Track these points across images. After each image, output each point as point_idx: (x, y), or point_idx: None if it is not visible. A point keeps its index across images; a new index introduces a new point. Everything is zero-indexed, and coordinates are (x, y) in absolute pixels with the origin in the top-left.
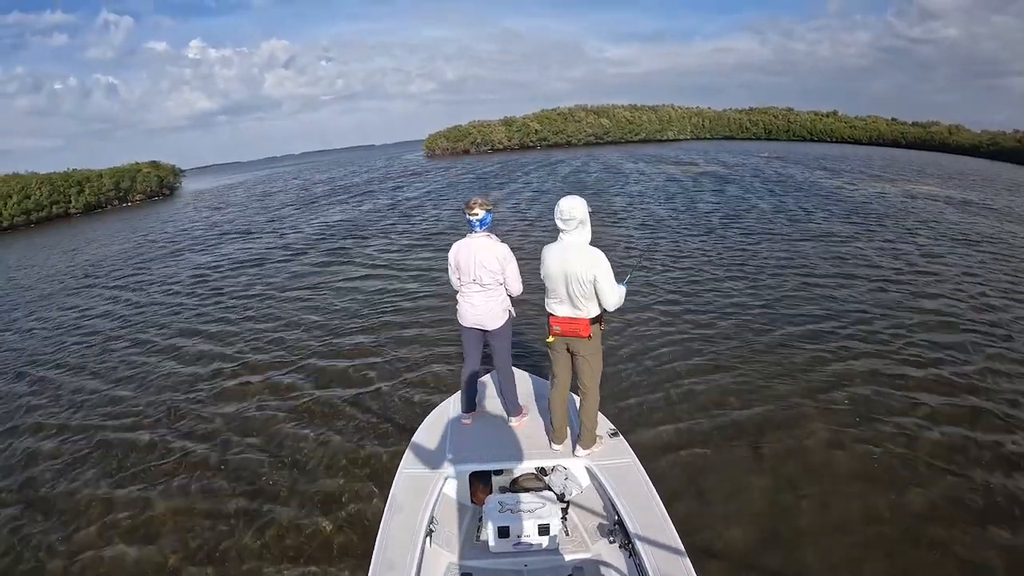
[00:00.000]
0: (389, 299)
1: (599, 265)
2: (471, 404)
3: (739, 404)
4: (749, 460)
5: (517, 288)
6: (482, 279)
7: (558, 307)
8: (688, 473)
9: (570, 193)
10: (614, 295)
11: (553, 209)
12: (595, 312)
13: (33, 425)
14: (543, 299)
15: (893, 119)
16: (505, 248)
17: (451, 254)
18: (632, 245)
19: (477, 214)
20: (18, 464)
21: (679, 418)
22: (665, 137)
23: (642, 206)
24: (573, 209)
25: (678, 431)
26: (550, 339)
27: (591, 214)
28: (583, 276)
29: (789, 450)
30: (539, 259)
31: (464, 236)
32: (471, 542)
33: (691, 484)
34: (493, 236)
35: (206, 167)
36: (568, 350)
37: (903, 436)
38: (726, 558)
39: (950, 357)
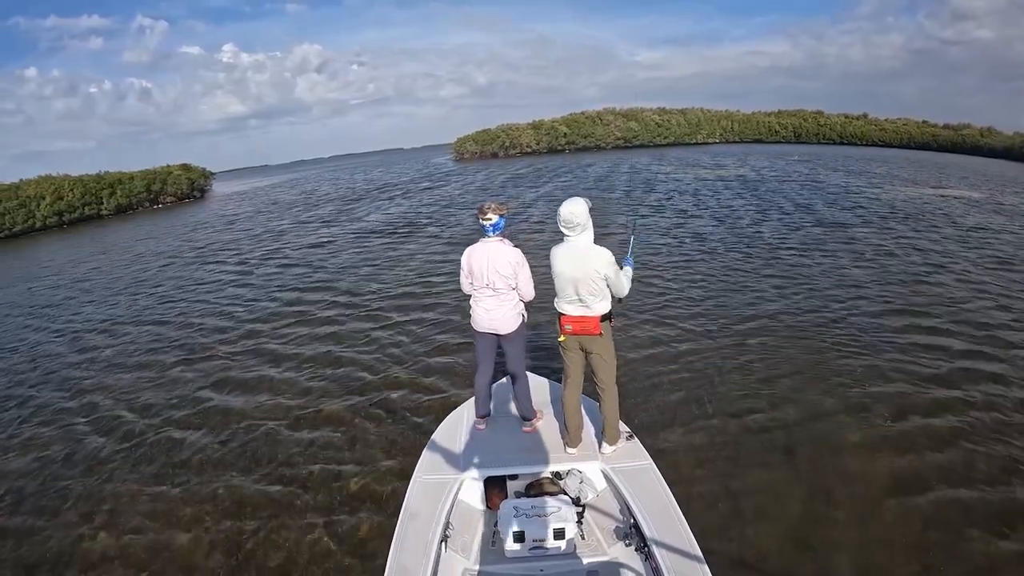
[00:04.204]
0: (430, 292)
1: (607, 264)
2: (485, 409)
3: (771, 409)
4: (782, 467)
5: (530, 293)
6: (495, 284)
7: (568, 307)
8: (720, 479)
9: (571, 197)
10: (624, 283)
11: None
12: (604, 309)
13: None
14: (552, 301)
15: (924, 121)
16: (518, 253)
17: (464, 259)
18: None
19: (491, 219)
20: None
21: (710, 423)
22: (694, 140)
23: (671, 208)
24: (575, 215)
25: (709, 436)
26: (562, 338)
27: (591, 211)
28: (592, 275)
29: (823, 457)
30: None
31: (477, 241)
32: (487, 547)
33: (723, 490)
34: (506, 241)
35: (235, 170)
36: (581, 349)
37: (942, 445)
38: (756, 567)
39: (990, 365)
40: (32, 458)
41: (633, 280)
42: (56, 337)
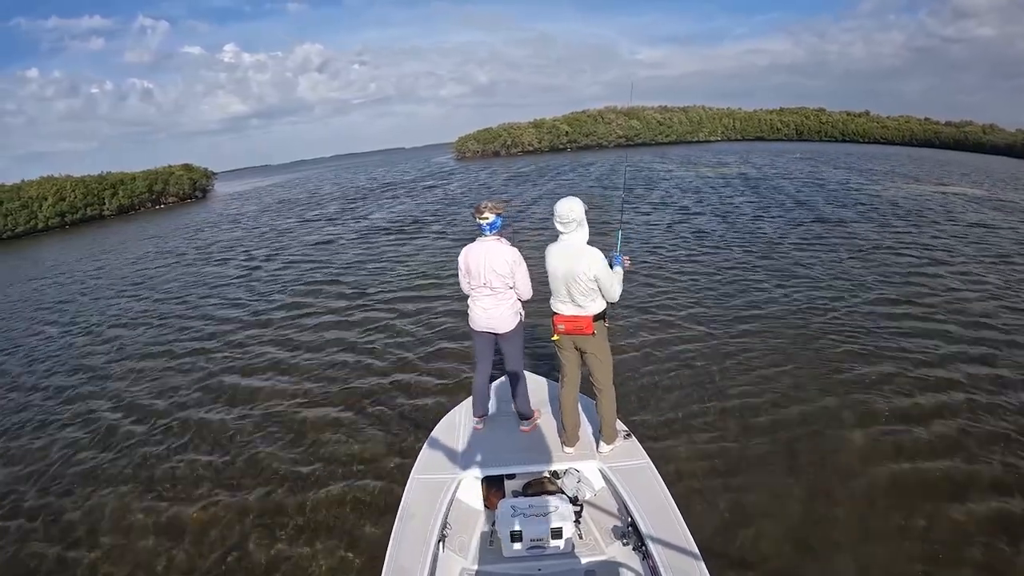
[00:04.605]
0: (437, 285)
1: (598, 264)
2: (483, 408)
3: (772, 408)
4: (782, 466)
5: (527, 292)
6: (492, 283)
7: (562, 306)
8: (720, 478)
9: (567, 195)
10: (615, 287)
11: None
12: (597, 309)
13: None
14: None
15: (926, 119)
16: (515, 252)
17: (461, 258)
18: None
19: (487, 218)
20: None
21: (710, 421)
22: (696, 138)
23: (673, 205)
24: (572, 212)
25: (710, 435)
26: (555, 337)
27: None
28: (582, 275)
29: (824, 457)
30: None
31: (474, 240)
32: (484, 547)
33: (723, 489)
34: (503, 240)
35: (236, 170)
36: (576, 348)
37: (945, 443)
38: (755, 565)
39: (990, 358)
40: (61, 442)
41: (625, 281)
42: (68, 331)
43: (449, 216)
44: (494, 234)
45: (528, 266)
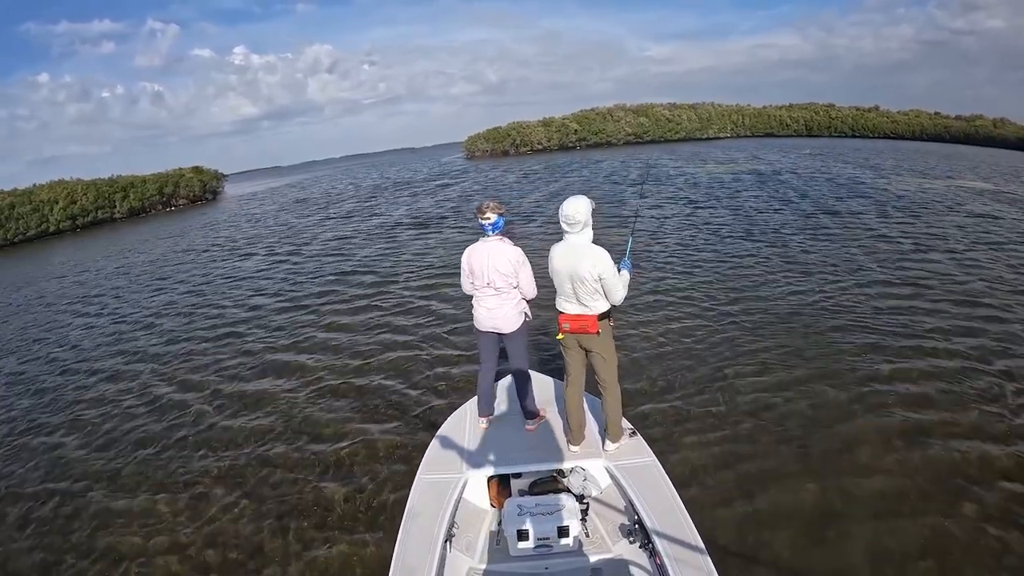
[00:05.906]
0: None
1: (603, 264)
2: (488, 408)
3: (785, 404)
4: (793, 460)
5: (531, 291)
6: (496, 283)
7: (567, 305)
8: (733, 474)
9: (574, 195)
10: (620, 289)
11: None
12: (602, 309)
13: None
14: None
15: (936, 113)
16: (518, 252)
17: (464, 258)
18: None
19: (489, 218)
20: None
21: (723, 417)
22: (705, 135)
23: (682, 200)
24: (578, 212)
25: (722, 430)
26: (560, 336)
27: (594, 212)
28: (587, 275)
29: (838, 452)
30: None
31: (477, 240)
32: (491, 546)
33: (736, 485)
34: (506, 240)
35: (246, 172)
36: (581, 347)
37: (957, 439)
38: (764, 563)
39: (1000, 351)
40: (121, 415)
41: (636, 270)
42: (106, 323)
43: (468, 212)
44: (497, 234)
45: (535, 265)
